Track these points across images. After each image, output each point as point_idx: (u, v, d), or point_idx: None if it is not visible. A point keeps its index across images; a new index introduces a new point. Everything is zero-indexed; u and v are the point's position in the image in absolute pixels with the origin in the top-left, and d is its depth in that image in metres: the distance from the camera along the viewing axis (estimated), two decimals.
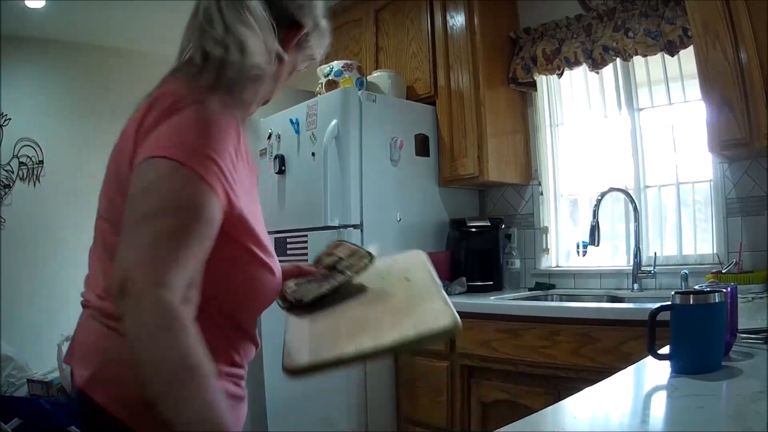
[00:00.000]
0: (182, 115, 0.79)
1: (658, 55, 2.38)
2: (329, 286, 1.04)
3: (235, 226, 0.85)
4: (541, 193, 2.86)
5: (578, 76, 2.78)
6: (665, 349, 1.00)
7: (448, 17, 2.82)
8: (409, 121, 2.80)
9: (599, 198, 2.41)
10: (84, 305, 0.91)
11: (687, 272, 2.21)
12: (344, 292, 1.04)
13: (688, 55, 2.23)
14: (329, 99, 2.68)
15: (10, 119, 3.64)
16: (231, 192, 0.81)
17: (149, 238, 0.71)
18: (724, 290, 0.98)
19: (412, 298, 0.99)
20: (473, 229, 2.76)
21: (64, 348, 2.89)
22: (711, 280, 2.00)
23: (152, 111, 0.82)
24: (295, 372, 0.85)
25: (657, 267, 2.36)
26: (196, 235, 0.74)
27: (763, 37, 1.84)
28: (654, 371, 0.98)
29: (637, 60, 2.50)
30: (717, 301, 0.95)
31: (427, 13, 2.91)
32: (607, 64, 2.53)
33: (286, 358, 0.89)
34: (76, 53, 3.87)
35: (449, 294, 2.51)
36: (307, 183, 2.68)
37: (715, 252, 2.26)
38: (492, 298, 2.42)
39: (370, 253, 1.09)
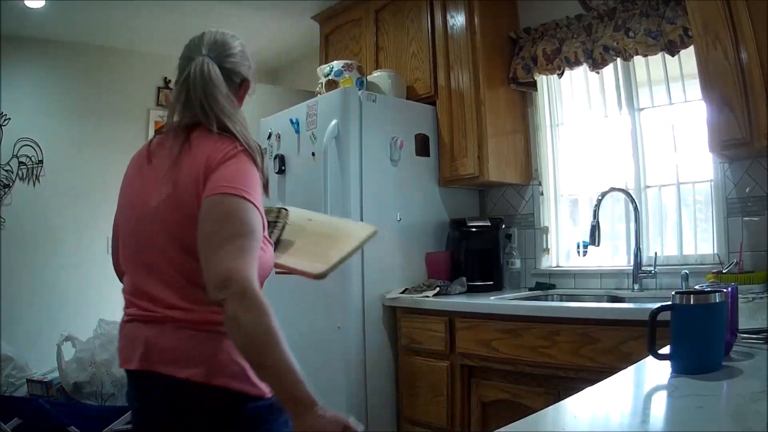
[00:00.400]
0: (237, 161, 1.13)
1: (659, 55, 2.38)
2: (279, 226, 1.39)
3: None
4: (542, 193, 2.85)
5: (578, 76, 2.78)
6: (665, 349, 1.00)
7: (448, 17, 2.82)
8: (409, 121, 2.80)
9: (599, 198, 2.41)
10: (151, 320, 1.13)
11: (687, 272, 2.21)
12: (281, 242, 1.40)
13: (688, 54, 2.23)
14: (329, 99, 2.68)
15: (10, 119, 3.64)
16: (262, 214, 1.14)
17: (236, 251, 1.03)
18: (725, 290, 0.98)
19: (333, 227, 1.45)
20: (473, 229, 2.76)
21: (64, 348, 2.89)
22: (711, 280, 2.00)
23: (213, 160, 1.12)
24: (321, 276, 1.26)
25: (657, 267, 2.36)
26: (257, 246, 1.09)
27: (763, 37, 1.84)
28: (654, 371, 0.98)
29: (638, 60, 2.49)
30: (717, 301, 0.95)
31: (427, 13, 2.90)
32: (607, 64, 2.52)
33: (310, 272, 1.27)
34: (76, 53, 3.87)
35: (448, 294, 2.53)
36: (307, 183, 2.68)
37: (715, 252, 2.26)
38: (492, 298, 2.41)
39: (281, 208, 1.45)
